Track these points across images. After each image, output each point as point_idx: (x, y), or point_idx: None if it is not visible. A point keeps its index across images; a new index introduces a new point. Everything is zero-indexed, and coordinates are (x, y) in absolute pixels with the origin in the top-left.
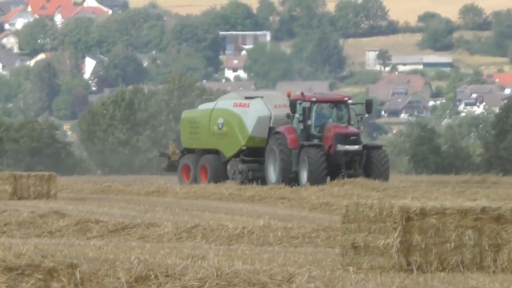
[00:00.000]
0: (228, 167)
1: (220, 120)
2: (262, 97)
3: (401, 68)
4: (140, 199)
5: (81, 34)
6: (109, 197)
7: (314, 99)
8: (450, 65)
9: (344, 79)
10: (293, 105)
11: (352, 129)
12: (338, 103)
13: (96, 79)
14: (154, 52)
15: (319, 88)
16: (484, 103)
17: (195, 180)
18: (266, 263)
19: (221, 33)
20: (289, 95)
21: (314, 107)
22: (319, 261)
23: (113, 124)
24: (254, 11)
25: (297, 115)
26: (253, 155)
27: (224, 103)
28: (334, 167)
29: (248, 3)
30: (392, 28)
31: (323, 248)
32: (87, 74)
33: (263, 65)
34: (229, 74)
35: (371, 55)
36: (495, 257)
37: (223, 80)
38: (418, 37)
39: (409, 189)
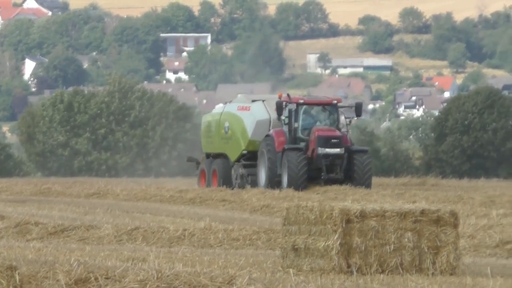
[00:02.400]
0: (232, 171)
1: (226, 124)
2: (263, 100)
3: (341, 71)
4: (80, 201)
5: (21, 36)
6: (49, 199)
7: (301, 101)
8: (390, 68)
9: (285, 81)
10: (279, 107)
11: (334, 132)
12: (327, 106)
13: (36, 80)
14: (94, 53)
15: (260, 90)
16: (423, 106)
17: (209, 185)
18: (207, 265)
19: (162, 35)
20: (280, 97)
21: (302, 110)
22: (260, 263)
23: (52, 126)
24: (196, 13)
25: (283, 118)
26: (253, 159)
27: (231, 106)
28: (316, 170)
29: (189, 5)
30: (333, 31)
31: (264, 250)
32: (26, 75)
33: (204, 67)
34: (170, 76)
35: (311, 58)
36: (434, 259)
37: (164, 82)
38: (358, 40)
39: (349, 192)
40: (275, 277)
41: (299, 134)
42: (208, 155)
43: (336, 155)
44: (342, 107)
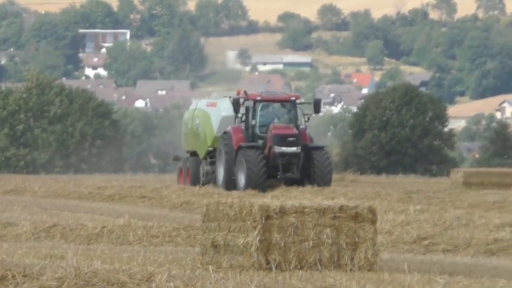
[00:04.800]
0: (200, 169)
1: (197, 121)
2: (230, 96)
3: (261, 67)
4: None
5: None
6: None
7: (258, 98)
8: (309, 65)
9: (205, 78)
10: (236, 104)
11: (290, 129)
12: (285, 102)
13: None
14: (12, 49)
15: (180, 87)
16: (342, 103)
17: (185, 183)
18: (126, 263)
19: (80, 31)
20: (238, 93)
21: (259, 107)
22: (179, 260)
23: None
24: (115, 9)
25: (239, 115)
26: None
27: (203, 102)
28: (273, 169)
29: (108, 1)
30: (252, 28)
31: (184, 247)
32: None
33: (123, 63)
34: (89, 72)
35: (231, 55)
36: (352, 255)
37: (83, 78)
38: (277, 37)
39: (268, 188)
40: (195, 274)
41: (257, 131)
42: (190, 154)
43: (292, 154)
44: (300, 103)
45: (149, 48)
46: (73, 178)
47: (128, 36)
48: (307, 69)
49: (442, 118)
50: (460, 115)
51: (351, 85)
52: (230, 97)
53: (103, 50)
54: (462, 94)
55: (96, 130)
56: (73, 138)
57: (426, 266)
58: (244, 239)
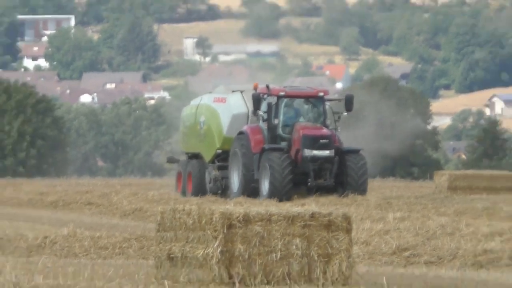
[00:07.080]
0: (206, 174)
1: (202, 118)
2: (242, 91)
3: (222, 58)
4: None
5: None
6: None
7: (282, 93)
8: (276, 55)
9: (160, 69)
10: (257, 100)
11: (322, 130)
12: (312, 99)
13: None
14: None
15: (131, 79)
16: None
17: (185, 190)
18: (71, 277)
19: (19, 16)
20: (255, 88)
21: (283, 103)
22: (131, 274)
23: None
24: None
25: (260, 113)
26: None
27: (208, 97)
28: (301, 176)
29: None
30: (213, 14)
31: (136, 259)
32: None
33: (67, 53)
34: (29, 63)
35: (189, 43)
36: (324, 268)
37: (22, 70)
38: (241, 23)
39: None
40: None
41: (280, 132)
42: (188, 156)
43: (326, 158)
44: (329, 100)
45: (96, 36)
46: (11, 182)
47: (72, 23)
48: (274, 60)
49: (424, 114)
50: (444, 111)
51: (323, 77)
52: (241, 92)
53: (44, 38)
54: (447, 87)
55: (36, 128)
56: (9, 138)
57: (407, 280)
58: (204, 251)
